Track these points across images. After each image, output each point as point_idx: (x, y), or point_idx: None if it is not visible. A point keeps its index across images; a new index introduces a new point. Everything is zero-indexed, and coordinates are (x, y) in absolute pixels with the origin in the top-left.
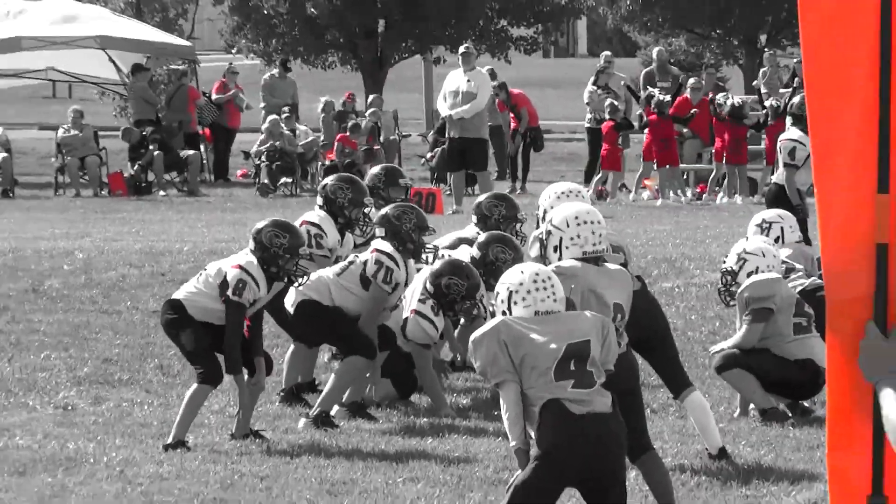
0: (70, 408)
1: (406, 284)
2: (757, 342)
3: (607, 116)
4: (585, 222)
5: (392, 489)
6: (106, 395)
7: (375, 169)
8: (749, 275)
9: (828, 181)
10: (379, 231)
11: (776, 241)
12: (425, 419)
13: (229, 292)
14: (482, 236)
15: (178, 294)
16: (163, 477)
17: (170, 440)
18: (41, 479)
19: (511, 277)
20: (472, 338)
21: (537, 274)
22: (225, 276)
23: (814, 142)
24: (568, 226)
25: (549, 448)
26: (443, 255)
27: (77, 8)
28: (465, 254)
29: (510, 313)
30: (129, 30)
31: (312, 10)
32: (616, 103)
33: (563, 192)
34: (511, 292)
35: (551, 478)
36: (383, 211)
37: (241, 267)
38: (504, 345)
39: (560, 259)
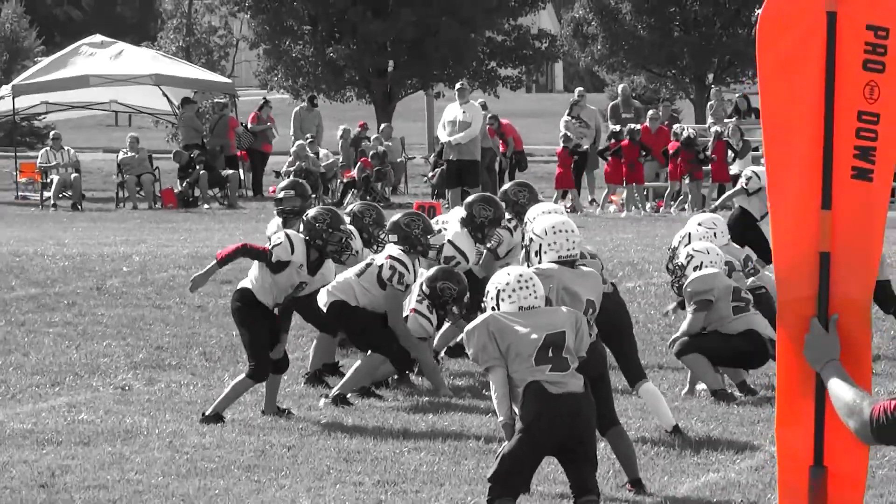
0: (127, 388)
1: (415, 280)
2: (701, 327)
3: (561, 145)
4: (561, 231)
5: (398, 457)
6: (158, 377)
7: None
8: (695, 269)
9: (780, 199)
10: (391, 237)
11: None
12: (426, 398)
13: (271, 250)
14: (469, 197)
15: (245, 282)
16: (205, 446)
17: (209, 412)
18: (103, 449)
19: (499, 278)
20: (465, 329)
21: (521, 275)
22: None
23: (769, 166)
24: (546, 234)
25: (530, 423)
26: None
27: (136, 52)
28: (456, 215)
29: (498, 308)
30: (179, 69)
31: (333, 54)
32: (569, 134)
33: (544, 211)
34: (499, 291)
35: (532, 448)
36: (394, 218)
37: (285, 231)
38: (492, 335)
39: (540, 262)
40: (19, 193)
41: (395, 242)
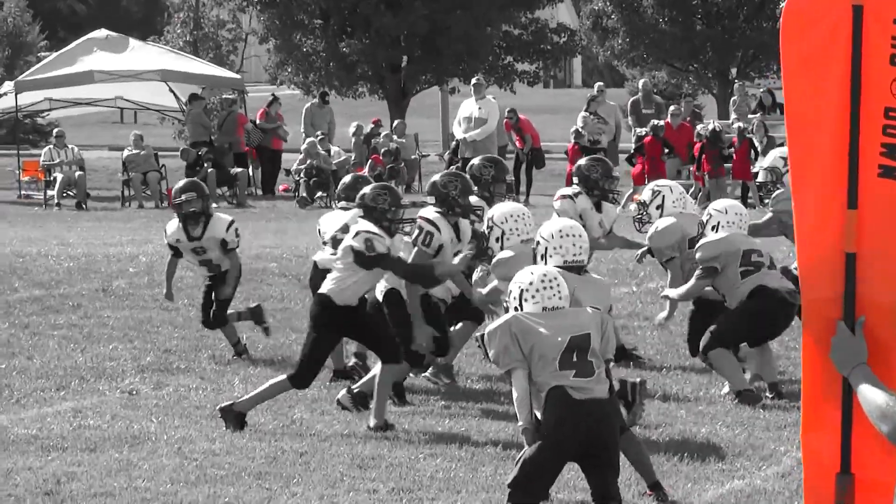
0: (135, 392)
1: (460, 240)
2: (699, 294)
3: (573, 140)
4: (568, 235)
5: (414, 463)
6: (166, 381)
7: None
8: (713, 228)
9: (805, 197)
10: (430, 199)
11: (657, 208)
12: (442, 402)
13: (367, 253)
14: (471, 161)
15: (324, 288)
16: (215, 453)
17: (234, 406)
18: (110, 455)
19: (522, 277)
20: (486, 330)
21: (545, 275)
22: (353, 248)
23: (792, 163)
24: (553, 238)
25: (553, 428)
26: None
27: (143, 47)
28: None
29: (521, 309)
30: (186, 65)
31: (345, 48)
32: (581, 130)
33: (507, 212)
34: (522, 290)
35: (554, 454)
36: (433, 179)
37: (360, 231)
38: (515, 336)
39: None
40: (22, 192)
41: (432, 204)
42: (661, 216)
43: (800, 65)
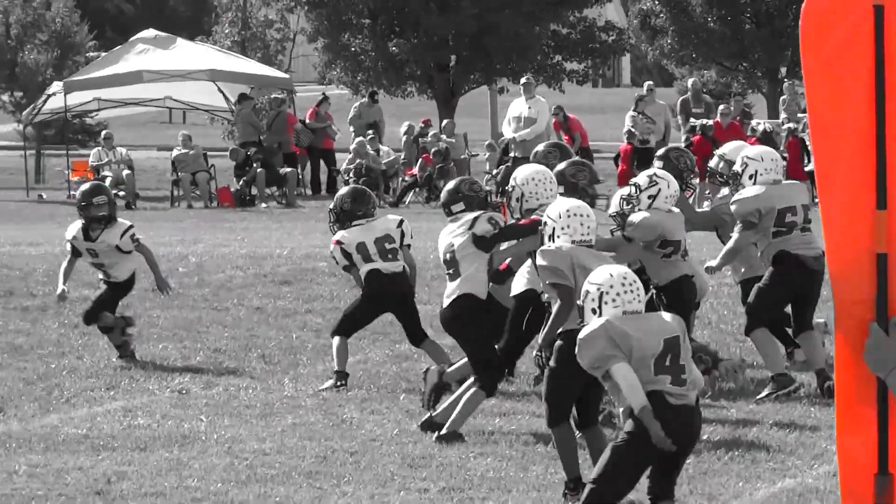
0: (185, 392)
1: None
2: (748, 243)
3: (625, 141)
4: (575, 215)
5: (464, 463)
6: (216, 380)
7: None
8: (750, 177)
9: (831, 199)
10: (559, 188)
11: (650, 197)
12: (492, 401)
13: (493, 230)
14: (539, 145)
15: (460, 290)
16: (265, 452)
17: (439, 420)
18: (160, 454)
19: (601, 278)
20: (579, 337)
21: (625, 277)
22: (476, 235)
23: (818, 166)
24: (560, 217)
25: (646, 432)
26: None
27: (191, 46)
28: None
29: (600, 312)
30: (235, 64)
31: (394, 48)
32: (633, 130)
33: (529, 175)
34: (602, 293)
35: (644, 456)
36: (560, 167)
37: (479, 217)
38: (612, 340)
39: None
40: (71, 192)
41: (561, 193)
42: (650, 206)
43: (821, 67)
